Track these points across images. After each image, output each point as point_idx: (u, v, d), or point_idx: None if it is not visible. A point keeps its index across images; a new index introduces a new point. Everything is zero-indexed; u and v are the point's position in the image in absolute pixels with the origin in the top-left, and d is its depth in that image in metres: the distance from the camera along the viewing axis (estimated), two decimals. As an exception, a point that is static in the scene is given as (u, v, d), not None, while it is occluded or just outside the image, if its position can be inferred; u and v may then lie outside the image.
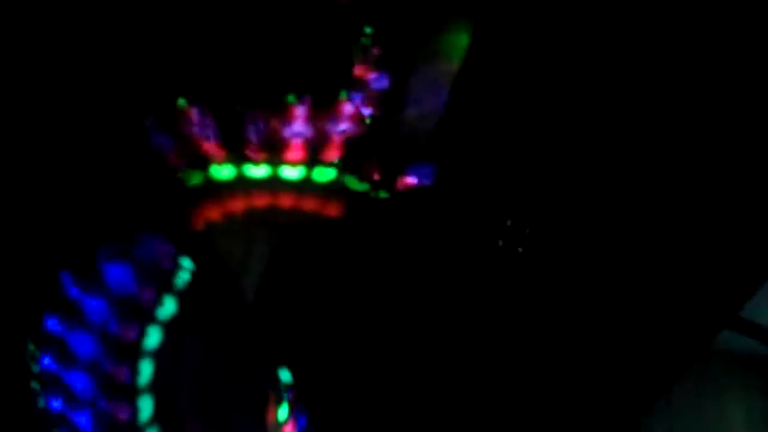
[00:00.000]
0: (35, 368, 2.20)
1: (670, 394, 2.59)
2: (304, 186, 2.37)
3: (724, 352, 2.66)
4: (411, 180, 2.35)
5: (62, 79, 2.37)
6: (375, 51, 2.42)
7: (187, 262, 2.26)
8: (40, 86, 2.37)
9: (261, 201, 2.37)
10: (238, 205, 2.36)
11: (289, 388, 2.26)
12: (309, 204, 2.38)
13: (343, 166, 2.37)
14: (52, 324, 2.21)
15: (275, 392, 2.25)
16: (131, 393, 2.17)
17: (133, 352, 2.19)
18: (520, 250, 2.31)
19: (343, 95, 2.38)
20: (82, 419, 2.16)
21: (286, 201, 2.38)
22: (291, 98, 2.31)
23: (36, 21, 2.36)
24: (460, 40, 2.46)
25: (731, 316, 2.56)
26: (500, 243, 2.32)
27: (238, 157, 2.34)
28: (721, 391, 2.72)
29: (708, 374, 2.68)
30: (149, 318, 2.22)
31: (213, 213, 2.36)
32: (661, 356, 2.45)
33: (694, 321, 2.46)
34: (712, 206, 2.39)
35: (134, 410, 2.16)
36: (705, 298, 2.44)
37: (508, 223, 2.31)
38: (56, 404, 2.19)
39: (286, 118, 2.35)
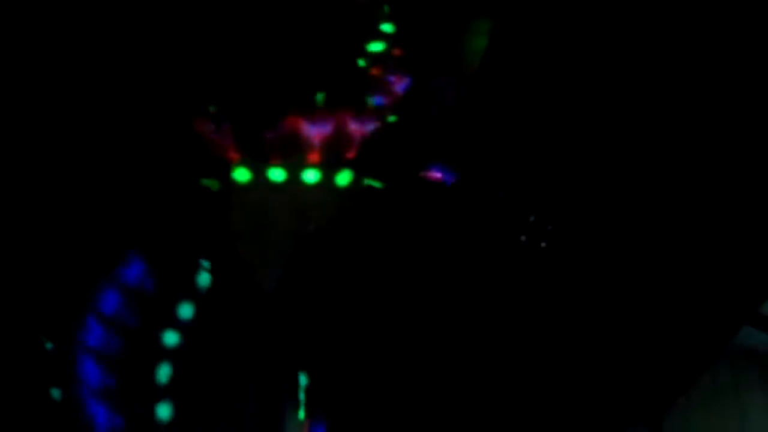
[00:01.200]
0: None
1: (689, 393, 2.59)
2: (323, 188, 2.38)
3: (743, 349, 2.66)
4: (435, 176, 2.36)
5: (78, 82, 2.38)
6: (396, 52, 2.44)
7: (205, 265, 2.28)
8: (58, 94, 2.37)
9: (280, 204, 2.37)
10: (256, 208, 2.37)
11: (306, 390, 2.27)
12: (328, 206, 2.39)
13: (363, 167, 2.39)
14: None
15: (292, 395, 2.26)
16: (151, 394, 2.18)
17: (153, 352, 2.20)
18: (543, 245, 2.32)
19: (364, 96, 2.40)
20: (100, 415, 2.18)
21: (305, 203, 2.38)
22: (320, 97, 2.33)
23: (54, 28, 2.37)
24: (480, 41, 2.48)
25: (751, 313, 2.56)
26: (523, 239, 2.32)
27: (256, 161, 2.35)
28: (740, 387, 2.71)
29: (727, 371, 2.68)
30: (169, 319, 2.24)
31: (232, 217, 2.36)
32: (680, 353, 2.45)
33: (713, 317, 2.46)
34: (732, 203, 2.40)
35: (153, 411, 2.18)
36: (725, 294, 2.44)
37: (531, 219, 2.32)
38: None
39: (305, 120, 2.36)
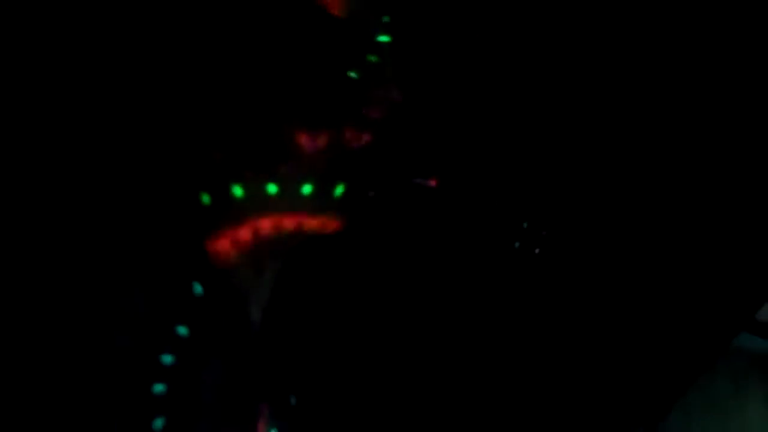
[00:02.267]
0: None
1: (688, 395, 2.59)
2: (316, 201, 2.39)
3: (742, 351, 2.67)
4: (429, 183, 2.38)
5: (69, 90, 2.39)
6: (392, 62, 2.46)
7: (198, 287, 2.30)
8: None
9: (271, 218, 2.39)
10: (247, 224, 2.39)
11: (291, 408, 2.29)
12: (320, 219, 2.40)
13: (359, 178, 2.40)
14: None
15: (270, 407, 2.28)
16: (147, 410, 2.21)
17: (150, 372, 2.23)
18: (537, 251, 2.34)
19: (359, 107, 2.42)
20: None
21: (297, 217, 2.40)
22: (315, 109, 2.35)
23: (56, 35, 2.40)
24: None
25: (749, 318, 2.57)
26: (517, 245, 2.34)
27: (250, 175, 2.37)
28: (739, 390, 2.72)
29: (726, 374, 2.69)
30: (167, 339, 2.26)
31: (224, 232, 2.38)
32: (679, 356, 2.46)
33: (712, 321, 2.47)
34: (731, 208, 2.41)
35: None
36: (724, 297, 2.45)
37: (525, 225, 2.34)
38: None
39: (299, 133, 2.38)
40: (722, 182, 2.42)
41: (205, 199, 2.36)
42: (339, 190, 2.39)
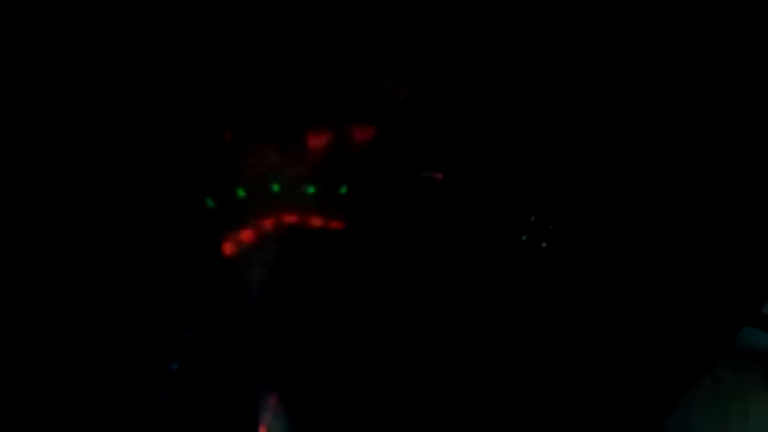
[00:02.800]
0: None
1: (691, 392, 2.59)
2: (320, 200, 2.39)
3: (745, 348, 2.67)
4: (437, 177, 2.39)
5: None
6: (395, 61, 2.47)
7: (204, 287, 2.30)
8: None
9: (275, 218, 2.39)
10: (252, 224, 2.38)
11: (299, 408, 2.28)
12: (324, 217, 2.40)
13: (362, 176, 2.41)
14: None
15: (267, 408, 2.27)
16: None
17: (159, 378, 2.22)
18: (544, 245, 2.34)
19: (363, 106, 2.43)
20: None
21: (301, 216, 2.40)
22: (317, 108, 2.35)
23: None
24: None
25: (754, 313, 2.58)
26: (524, 238, 2.35)
27: (252, 175, 2.37)
28: (743, 387, 2.72)
29: (729, 370, 2.68)
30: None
31: (229, 234, 2.38)
32: (682, 353, 2.47)
33: (716, 317, 2.47)
34: (733, 203, 2.42)
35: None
36: (727, 293, 2.45)
37: (533, 218, 2.34)
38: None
39: (303, 132, 2.39)
40: (724, 180, 2.43)
41: (210, 202, 2.37)
42: (343, 189, 2.40)
